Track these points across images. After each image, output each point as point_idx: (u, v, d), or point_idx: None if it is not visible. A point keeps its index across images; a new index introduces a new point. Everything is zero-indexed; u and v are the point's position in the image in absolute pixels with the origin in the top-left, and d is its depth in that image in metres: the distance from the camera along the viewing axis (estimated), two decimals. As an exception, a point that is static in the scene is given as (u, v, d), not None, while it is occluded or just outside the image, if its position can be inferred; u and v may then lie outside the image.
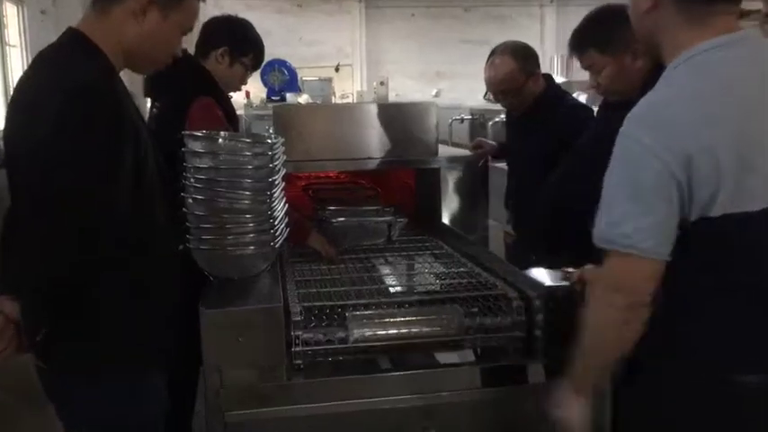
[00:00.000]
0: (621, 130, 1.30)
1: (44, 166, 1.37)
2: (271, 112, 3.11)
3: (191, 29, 1.64)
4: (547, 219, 2.37)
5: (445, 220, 2.71)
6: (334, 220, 2.48)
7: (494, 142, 2.84)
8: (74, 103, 1.38)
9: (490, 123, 6.69)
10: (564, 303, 1.75)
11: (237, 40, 2.47)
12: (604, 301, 1.34)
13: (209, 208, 1.80)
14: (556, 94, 2.69)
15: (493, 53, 2.67)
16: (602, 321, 1.34)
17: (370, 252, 2.48)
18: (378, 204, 2.88)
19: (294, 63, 10.27)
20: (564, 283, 1.79)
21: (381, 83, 11.08)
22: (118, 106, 1.44)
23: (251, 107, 6.47)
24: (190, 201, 1.79)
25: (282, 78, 7.12)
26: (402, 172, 3.03)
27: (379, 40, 13.55)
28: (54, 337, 1.48)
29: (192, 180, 1.80)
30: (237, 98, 9.15)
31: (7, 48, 6.57)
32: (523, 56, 2.63)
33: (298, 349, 1.72)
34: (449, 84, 13.55)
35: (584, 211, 2.46)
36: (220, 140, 1.85)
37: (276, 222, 1.87)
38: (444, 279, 2.08)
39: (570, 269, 1.84)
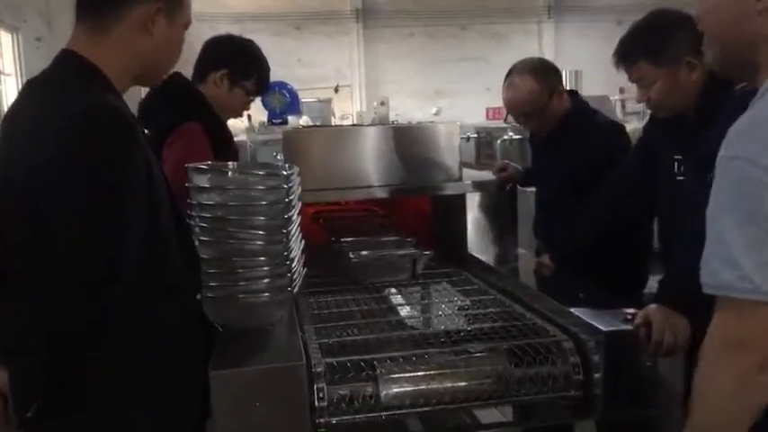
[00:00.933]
0: (725, 153, 1.07)
1: (54, 189, 1.18)
2: (275, 136, 2.88)
3: (190, 23, 1.48)
4: (589, 246, 2.15)
5: (470, 249, 2.47)
6: (352, 255, 2.24)
7: (519, 166, 2.60)
8: (84, 127, 1.21)
9: (498, 142, 6.48)
10: (626, 350, 1.52)
11: (239, 62, 2.24)
12: (724, 363, 1.06)
13: (217, 250, 1.57)
14: (584, 112, 2.46)
15: (510, 72, 2.44)
16: (722, 390, 1.06)
17: (393, 288, 2.24)
18: (395, 234, 2.65)
19: (292, 85, 10.10)
20: (625, 326, 1.55)
21: (382, 103, 10.91)
22: (132, 131, 1.27)
23: (254, 131, 6.24)
24: (196, 243, 1.55)
25: (283, 101, 6.90)
26: (417, 197, 2.80)
27: (378, 60, 13.40)
28: (49, 411, 1.25)
29: (197, 219, 1.57)
30: (238, 122, 8.97)
31: (2, 76, 6.37)
32: (543, 72, 2.40)
33: (322, 413, 1.47)
34: (448, 102, 13.40)
35: (636, 233, 2.29)
36: (229, 173, 1.62)
37: (293, 264, 1.63)
38: (481, 321, 1.83)
39: (631, 310, 1.60)
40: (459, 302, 2.03)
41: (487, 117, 10.12)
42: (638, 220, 2.25)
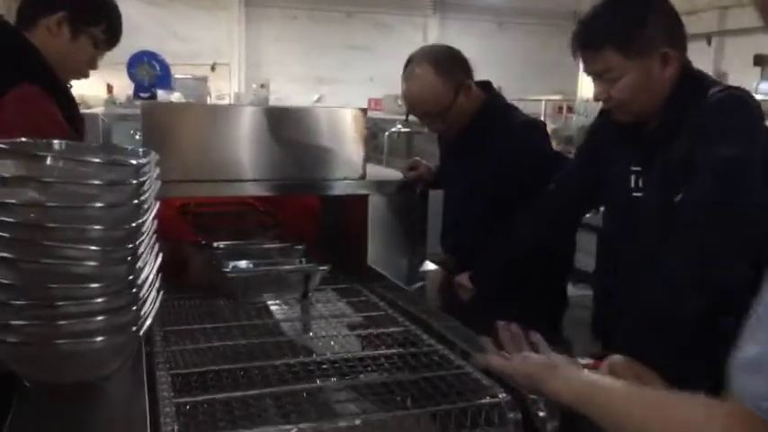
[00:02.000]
0: None
1: None
2: (138, 111, 2.32)
3: None
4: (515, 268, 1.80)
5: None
6: (228, 270, 1.75)
7: (430, 165, 2.20)
8: None
9: (385, 135, 6.12)
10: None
11: (82, 1, 1.70)
12: None
13: (25, 273, 1.05)
14: (498, 109, 2.07)
15: (409, 62, 2.01)
16: None
17: (279, 310, 1.78)
18: (279, 236, 2.19)
19: (168, 59, 9.25)
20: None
21: (262, 85, 10.30)
22: None
23: (114, 104, 5.48)
24: (-10, 261, 1.03)
25: (153, 73, 6.17)
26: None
27: (259, 41, 12.68)
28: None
29: (-6, 226, 1.04)
30: (98, 92, 8.02)
31: None
32: (448, 64, 1.98)
33: None
34: (330, 89, 12.92)
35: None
36: (48, 159, 1.09)
37: (142, 292, 1.14)
38: (397, 367, 1.39)
39: (587, 360, 1.24)
40: (361, 337, 1.59)
41: (369, 107, 9.80)
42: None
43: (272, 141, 1.87)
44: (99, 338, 1.08)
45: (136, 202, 1.11)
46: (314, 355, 1.44)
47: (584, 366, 1.22)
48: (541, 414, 1.17)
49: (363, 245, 2.02)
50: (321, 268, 1.79)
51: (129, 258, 1.10)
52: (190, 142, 1.81)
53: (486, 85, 2.10)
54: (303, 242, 2.04)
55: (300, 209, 2.54)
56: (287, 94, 12.23)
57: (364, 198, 1.99)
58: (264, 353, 1.42)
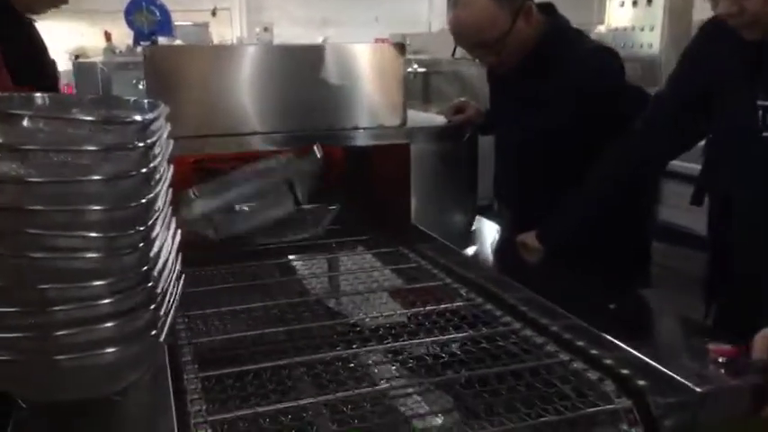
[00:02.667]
0: None
1: None
2: (140, 59, 2.04)
3: None
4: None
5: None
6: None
7: (480, 106, 1.89)
8: None
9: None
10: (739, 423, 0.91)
11: None
12: None
13: (8, 272, 0.80)
14: (564, 36, 1.72)
15: None
16: None
17: (317, 289, 1.53)
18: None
19: (163, 2, 8.80)
20: (729, 378, 0.94)
21: (265, 29, 9.87)
22: None
23: (113, 53, 5.14)
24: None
25: (152, 19, 5.77)
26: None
27: (260, -18, 12.16)
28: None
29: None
30: (96, 42, 7.64)
31: None
32: None
33: None
34: (335, 31, 12.39)
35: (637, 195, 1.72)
36: (27, 120, 0.83)
37: (160, 287, 0.89)
38: (476, 358, 1.14)
39: (726, 345, 0.98)
40: (421, 316, 1.33)
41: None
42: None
43: (294, 87, 1.60)
44: (109, 350, 0.84)
45: (145, 170, 0.84)
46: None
47: (718, 353, 0.98)
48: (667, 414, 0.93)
49: (405, 202, 1.75)
50: (330, 208, 1.66)
51: (141, 245, 0.85)
52: (200, 91, 1.53)
53: (547, 8, 1.75)
54: (335, 202, 1.79)
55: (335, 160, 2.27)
56: (290, 37, 11.74)
57: (405, 148, 1.72)
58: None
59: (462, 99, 1.88)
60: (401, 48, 1.67)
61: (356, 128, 1.67)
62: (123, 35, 6.63)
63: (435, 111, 4.47)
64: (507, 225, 1.77)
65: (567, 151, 1.61)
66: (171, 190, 1.04)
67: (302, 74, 1.60)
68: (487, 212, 1.87)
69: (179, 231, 1.05)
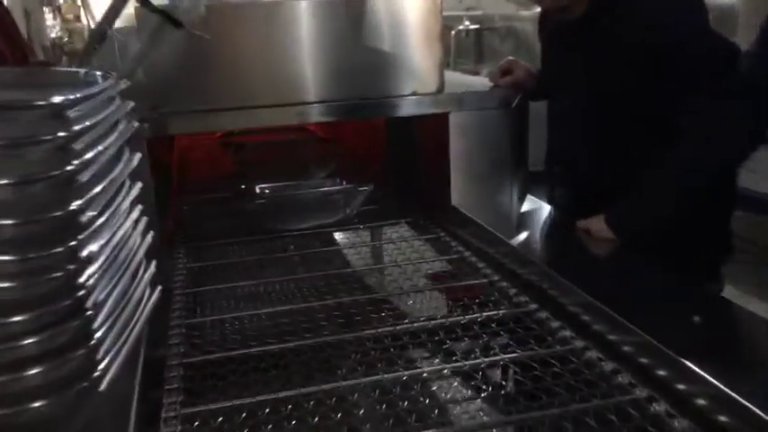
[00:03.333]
0: None
1: None
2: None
3: None
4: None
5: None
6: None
7: (531, 67, 1.59)
8: None
9: (452, 33, 5.39)
10: None
11: None
12: None
13: None
14: None
15: None
16: None
17: (347, 285, 1.30)
18: (340, 173, 1.72)
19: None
20: None
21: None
22: None
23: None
24: None
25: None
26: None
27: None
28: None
29: None
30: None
31: None
32: None
33: None
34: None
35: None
36: None
37: (99, 319, 0.67)
38: (527, 394, 0.90)
39: None
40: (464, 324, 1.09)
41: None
42: None
43: (314, 49, 1.35)
44: (34, 404, 0.63)
45: (71, 168, 0.62)
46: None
47: None
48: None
49: (445, 180, 1.50)
50: (361, 188, 1.49)
51: (70, 266, 0.63)
52: (209, 59, 1.31)
53: None
54: (368, 180, 1.57)
55: (368, 134, 2.04)
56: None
57: (443, 118, 1.46)
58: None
59: (511, 58, 1.59)
60: (437, 2, 1.40)
61: (386, 96, 1.42)
62: None
63: (487, 72, 4.16)
64: (565, 208, 1.50)
65: (645, 117, 1.33)
66: (138, 185, 0.83)
67: (317, 33, 1.36)
68: (537, 190, 1.59)
69: (149, 236, 0.84)
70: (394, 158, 1.86)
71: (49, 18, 8.14)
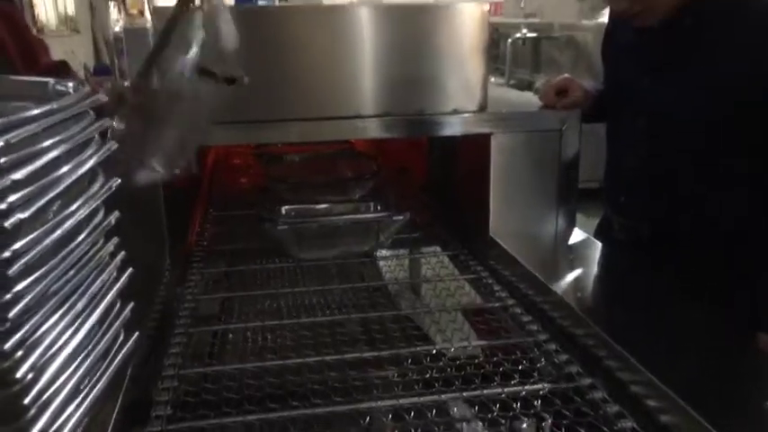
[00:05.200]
0: None
1: None
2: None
3: None
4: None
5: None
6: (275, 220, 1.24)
7: (589, 85, 1.41)
8: None
9: (508, 42, 5.19)
10: None
11: None
12: None
13: None
14: None
15: None
16: None
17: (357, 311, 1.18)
18: (377, 195, 1.58)
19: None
20: None
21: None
22: None
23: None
24: None
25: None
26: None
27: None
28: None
29: None
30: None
31: None
32: None
33: None
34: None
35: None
36: None
37: (33, 394, 0.55)
38: None
39: None
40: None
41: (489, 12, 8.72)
42: None
43: (349, 59, 1.23)
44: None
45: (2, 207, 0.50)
46: None
47: None
48: None
49: (484, 207, 1.35)
50: (396, 218, 1.34)
51: (1, 328, 0.52)
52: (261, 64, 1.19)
53: None
54: (406, 202, 1.42)
55: (405, 150, 1.90)
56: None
57: (485, 138, 1.31)
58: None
59: (566, 76, 1.42)
60: (485, 10, 1.25)
61: (424, 113, 1.28)
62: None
63: (541, 82, 3.96)
64: (629, 249, 1.32)
65: (742, 153, 1.14)
66: (114, 215, 0.71)
67: (356, 44, 1.23)
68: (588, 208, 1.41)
69: (125, 274, 0.72)
70: (435, 180, 1.72)
71: (113, 13, 8.26)
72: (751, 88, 1.11)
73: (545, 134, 1.32)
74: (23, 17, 1.46)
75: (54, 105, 0.56)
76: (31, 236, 0.54)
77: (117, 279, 0.71)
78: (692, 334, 0.94)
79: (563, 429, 0.81)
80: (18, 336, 0.52)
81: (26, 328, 0.53)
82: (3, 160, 0.48)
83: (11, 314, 0.51)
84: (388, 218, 1.40)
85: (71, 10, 7.23)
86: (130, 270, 0.73)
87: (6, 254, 0.50)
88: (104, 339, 0.67)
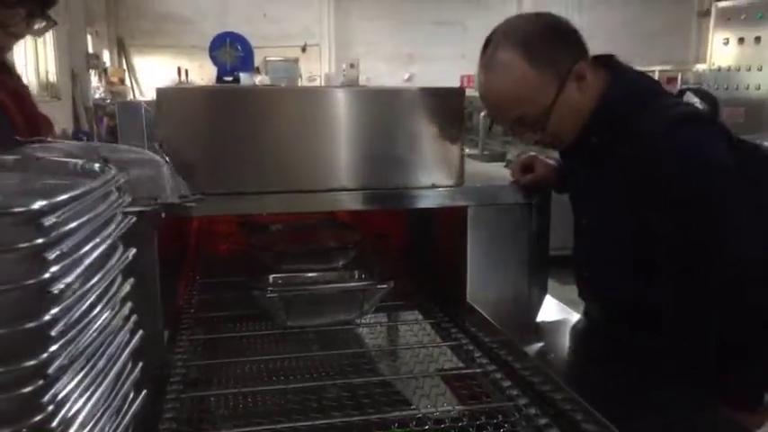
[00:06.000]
0: None
1: None
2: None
3: None
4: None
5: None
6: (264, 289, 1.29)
7: (553, 161, 1.48)
8: None
9: (481, 115, 5.42)
10: None
11: None
12: None
13: None
14: (632, 101, 1.25)
15: (488, 43, 1.28)
16: None
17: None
18: (359, 263, 1.65)
19: (258, 41, 8.84)
20: None
21: (351, 65, 9.90)
22: None
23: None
24: None
25: (235, 55, 5.76)
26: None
27: (349, 20, 12.20)
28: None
29: None
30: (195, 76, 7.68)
31: None
32: (546, 42, 1.24)
33: None
34: (421, 68, 12.36)
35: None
36: None
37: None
38: None
39: None
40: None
41: (462, 85, 9.09)
42: None
43: (331, 137, 1.32)
44: None
45: (47, 276, 0.57)
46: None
47: None
48: None
49: (461, 274, 1.44)
50: (380, 286, 1.37)
51: (41, 382, 0.58)
52: (219, 144, 1.28)
53: (608, 62, 1.30)
54: (390, 275, 1.48)
55: (385, 220, 1.99)
56: (377, 73, 11.70)
57: (462, 212, 1.41)
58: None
59: (531, 153, 1.52)
60: (460, 93, 1.37)
61: (405, 187, 1.37)
62: (207, 70, 6.66)
63: (516, 152, 4.09)
64: (596, 319, 1.40)
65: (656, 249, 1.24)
66: (130, 282, 0.78)
67: (338, 124, 1.32)
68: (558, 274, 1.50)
69: (138, 335, 0.79)
70: (413, 245, 1.80)
71: (94, 80, 8.44)
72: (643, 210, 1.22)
73: (517, 207, 1.42)
74: (29, 93, 1.55)
75: (94, 185, 0.63)
76: (66, 302, 0.60)
77: (129, 341, 0.77)
78: (666, 400, 1.01)
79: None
80: (53, 390, 0.58)
81: (58, 384, 0.60)
82: (53, 234, 0.56)
83: (50, 370, 0.57)
84: (373, 286, 1.46)
85: (53, 77, 7.38)
86: (141, 332, 0.80)
87: (48, 317, 0.57)
88: (118, 397, 0.73)
